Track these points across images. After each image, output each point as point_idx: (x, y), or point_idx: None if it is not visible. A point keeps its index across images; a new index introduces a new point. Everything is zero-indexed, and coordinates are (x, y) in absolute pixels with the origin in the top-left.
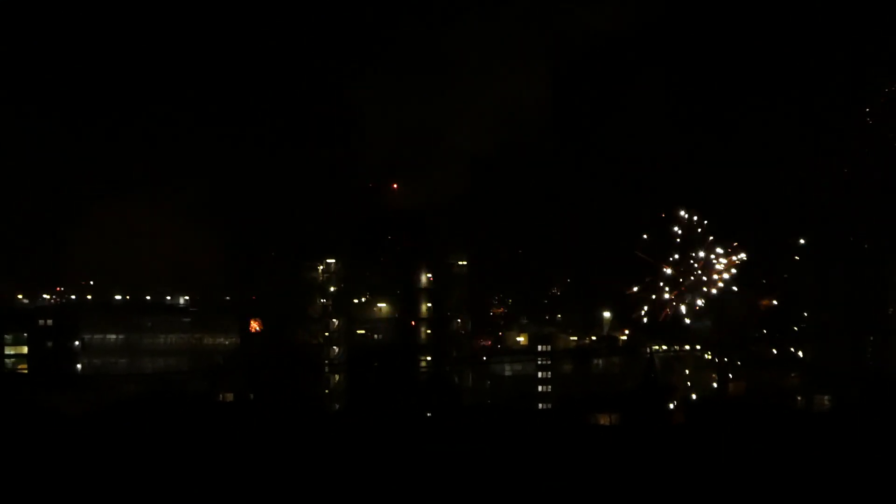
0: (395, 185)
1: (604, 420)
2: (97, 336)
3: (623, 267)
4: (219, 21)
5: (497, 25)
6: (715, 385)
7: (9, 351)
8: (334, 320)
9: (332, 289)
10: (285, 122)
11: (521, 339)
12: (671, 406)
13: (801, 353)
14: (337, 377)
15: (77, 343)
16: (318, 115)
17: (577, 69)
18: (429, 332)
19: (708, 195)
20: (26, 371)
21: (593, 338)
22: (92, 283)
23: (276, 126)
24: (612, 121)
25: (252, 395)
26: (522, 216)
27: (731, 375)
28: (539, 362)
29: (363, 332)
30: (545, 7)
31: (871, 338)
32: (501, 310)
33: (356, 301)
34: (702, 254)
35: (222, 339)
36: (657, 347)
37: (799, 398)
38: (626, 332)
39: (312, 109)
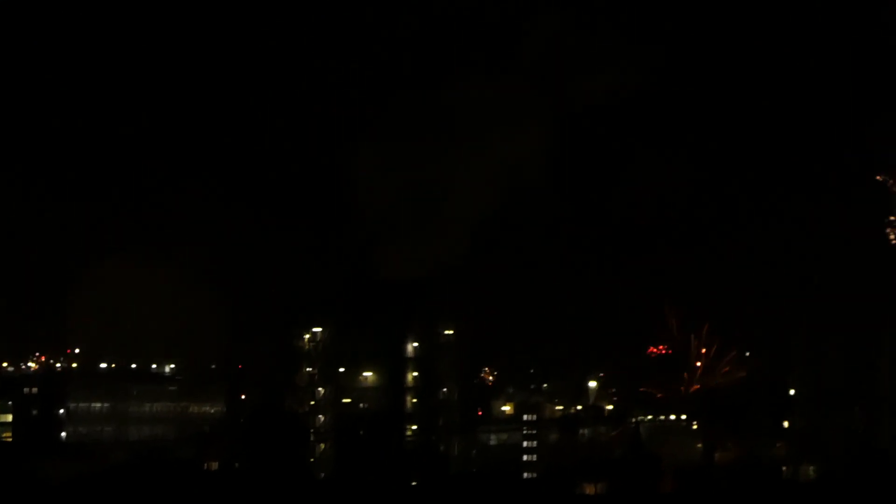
0: (384, 254)
1: (590, 490)
2: (83, 404)
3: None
4: (213, 78)
5: (494, 91)
6: (701, 454)
7: None
8: (321, 389)
9: (318, 357)
10: (274, 190)
11: (507, 408)
12: (657, 475)
13: (786, 423)
14: (323, 445)
15: (62, 411)
16: (307, 183)
17: (575, 136)
18: (415, 400)
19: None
20: (11, 439)
21: (579, 407)
22: (77, 350)
23: (265, 193)
24: (606, 192)
25: (238, 464)
26: (511, 285)
27: (717, 445)
28: (525, 431)
29: (349, 400)
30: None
31: (859, 408)
32: (489, 378)
33: (343, 369)
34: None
35: (208, 408)
36: (643, 417)
37: (785, 468)
38: (614, 399)
39: (302, 177)
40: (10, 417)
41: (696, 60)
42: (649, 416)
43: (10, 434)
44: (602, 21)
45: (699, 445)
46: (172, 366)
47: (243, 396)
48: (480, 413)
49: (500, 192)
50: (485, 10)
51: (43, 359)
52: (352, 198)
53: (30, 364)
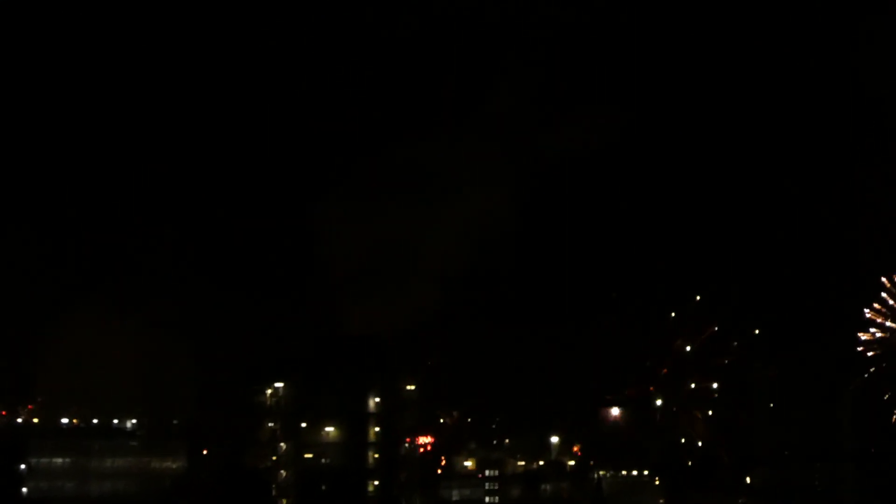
0: (348, 310)
1: None
2: (44, 459)
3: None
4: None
5: (459, 149)
6: None
7: None
8: (282, 444)
9: (280, 412)
10: (238, 245)
11: (468, 463)
12: None
13: (748, 479)
14: (285, 501)
15: (23, 466)
16: (272, 238)
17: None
18: (377, 456)
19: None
20: None
21: (541, 462)
22: (39, 405)
23: (229, 248)
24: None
25: None
26: (473, 341)
27: (680, 500)
28: (487, 487)
29: (311, 455)
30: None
31: (819, 465)
32: (450, 432)
33: (304, 424)
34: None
35: (170, 463)
36: (605, 472)
37: None
38: (576, 454)
39: (267, 233)
40: None
41: (666, 113)
42: (611, 472)
43: None
44: (570, 74)
45: (661, 501)
46: (134, 421)
47: (205, 452)
48: (442, 469)
49: (465, 250)
50: (452, 65)
51: (3, 413)
52: (316, 254)
53: None
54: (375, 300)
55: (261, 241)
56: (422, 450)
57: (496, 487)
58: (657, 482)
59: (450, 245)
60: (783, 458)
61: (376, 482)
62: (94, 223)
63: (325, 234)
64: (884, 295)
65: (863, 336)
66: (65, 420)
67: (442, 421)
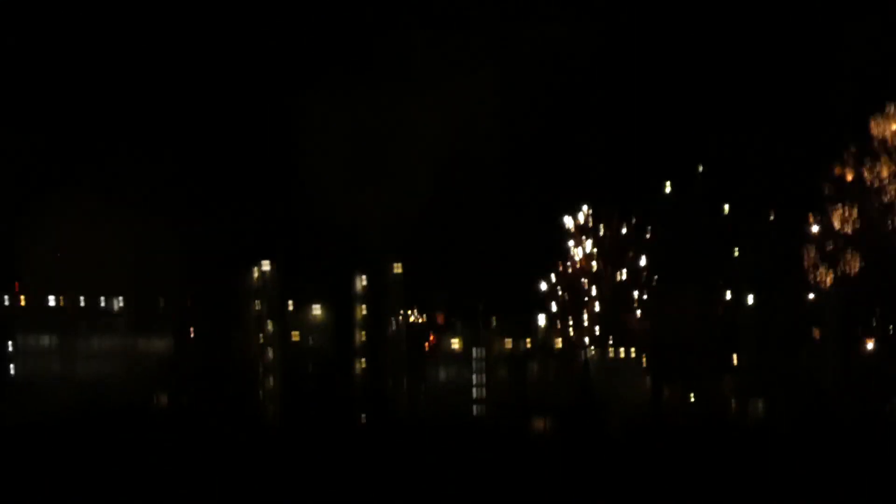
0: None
1: (539, 426)
2: (30, 339)
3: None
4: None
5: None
6: (650, 390)
7: None
8: (269, 325)
9: (267, 293)
10: (226, 129)
11: (455, 343)
12: (606, 411)
13: (735, 360)
14: (272, 382)
15: (10, 346)
16: (259, 123)
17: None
18: (363, 337)
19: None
20: None
21: (528, 343)
22: (23, 286)
23: (217, 131)
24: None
25: (186, 400)
26: (459, 222)
27: (666, 380)
28: (474, 367)
29: (298, 337)
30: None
31: (806, 350)
32: (438, 316)
33: (291, 306)
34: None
35: (157, 344)
36: (592, 353)
37: (734, 402)
38: (564, 334)
39: (255, 119)
40: None
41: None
42: (599, 351)
43: None
44: None
45: (648, 381)
46: (121, 303)
47: (192, 333)
48: (427, 348)
49: (450, 137)
50: None
51: None
52: (304, 138)
53: None
54: (361, 188)
55: (245, 126)
56: (408, 330)
57: (483, 367)
58: (644, 363)
59: (435, 133)
60: (771, 342)
61: (363, 362)
62: (76, 104)
63: (313, 119)
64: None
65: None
66: (52, 301)
67: (428, 302)
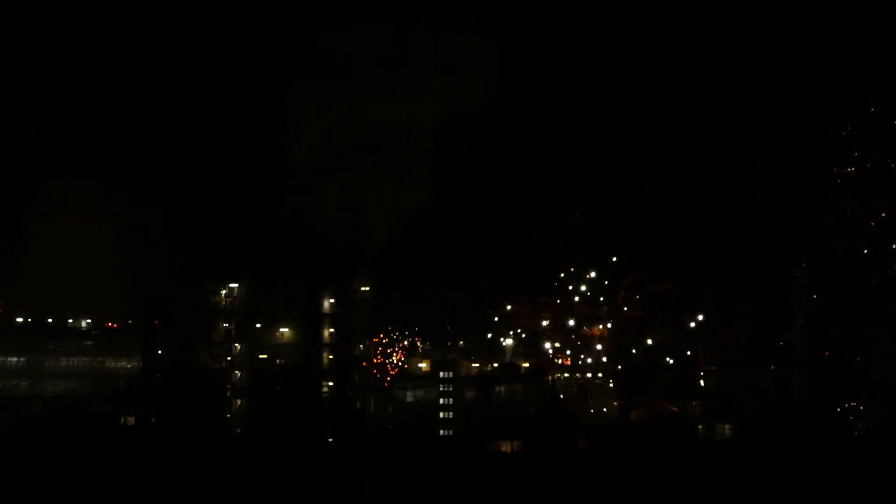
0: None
1: (506, 447)
2: None
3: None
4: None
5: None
6: (618, 412)
7: None
8: (237, 344)
9: (234, 312)
10: (194, 138)
11: (423, 365)
12: (573, 433)
13: (702, 382)
14: (239, 401)
15: None
16: (227, 132)
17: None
18: (331, 357)
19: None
20: None
21: (496, 364)
22: None
23: (184, 141)
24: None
25: (154, 419)
26: (430, 242)
27: (632, 403)
28: (441, 388)
29: (265, 356)
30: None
31: (773, 367)
32: (405, 336)
33: (259, 325)
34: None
35: (125, 363)
36: (559, 375)
37: (700, 426)
38: (530, 357)
39: (222, 126)
40: None
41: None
42: (566, 374)
43: None
44: None
45: (616, 404)
46: (89, 321)
47: (160, 352)
48: (396, 370)
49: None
50: None
51: None
52: (273, 147)
53: None
54: (332, 196)
55: (216, 134)
56: (376, 351)
57: (451, 389)
58: (611, 385)
59: (410, 141)
60: (737, 361)
61: (330, 383)
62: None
63: (281, 127)
64: None
65: None
66: (19, 319)
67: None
